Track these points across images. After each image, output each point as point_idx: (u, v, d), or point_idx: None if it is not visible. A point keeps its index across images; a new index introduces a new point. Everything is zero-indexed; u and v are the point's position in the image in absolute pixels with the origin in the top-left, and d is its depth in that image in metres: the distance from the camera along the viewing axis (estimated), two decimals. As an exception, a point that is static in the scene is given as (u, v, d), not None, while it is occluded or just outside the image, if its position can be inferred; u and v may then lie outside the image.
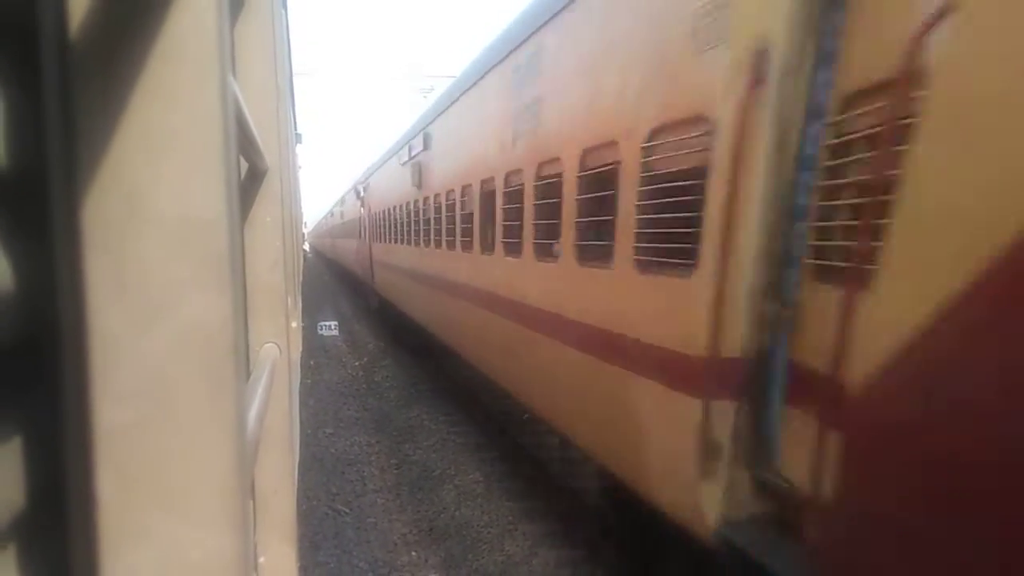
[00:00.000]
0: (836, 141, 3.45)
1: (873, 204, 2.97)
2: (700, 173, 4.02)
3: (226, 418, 0.68)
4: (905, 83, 2.86)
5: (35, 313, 0.63)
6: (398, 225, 16.57)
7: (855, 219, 3.22)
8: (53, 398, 0.64)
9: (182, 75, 0.66)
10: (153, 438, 0.66)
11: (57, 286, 0.64)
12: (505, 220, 7.83)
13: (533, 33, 6.83)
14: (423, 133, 12.99)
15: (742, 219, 3.75)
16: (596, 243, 5.44)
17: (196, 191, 0.66)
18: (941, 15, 2.65)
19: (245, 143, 1.62)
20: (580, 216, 5.73)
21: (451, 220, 10.85)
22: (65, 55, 0.64)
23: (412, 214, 14.46)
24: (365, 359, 18.28)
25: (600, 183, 5.34)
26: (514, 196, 7.34)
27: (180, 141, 0.66)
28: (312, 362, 17.06)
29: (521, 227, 7.06)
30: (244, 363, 1.89)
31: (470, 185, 9.52)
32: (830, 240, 3.44)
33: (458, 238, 10.36)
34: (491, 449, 10.81)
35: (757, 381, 3.80)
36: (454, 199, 10.60)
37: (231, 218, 0.68)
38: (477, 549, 7.67)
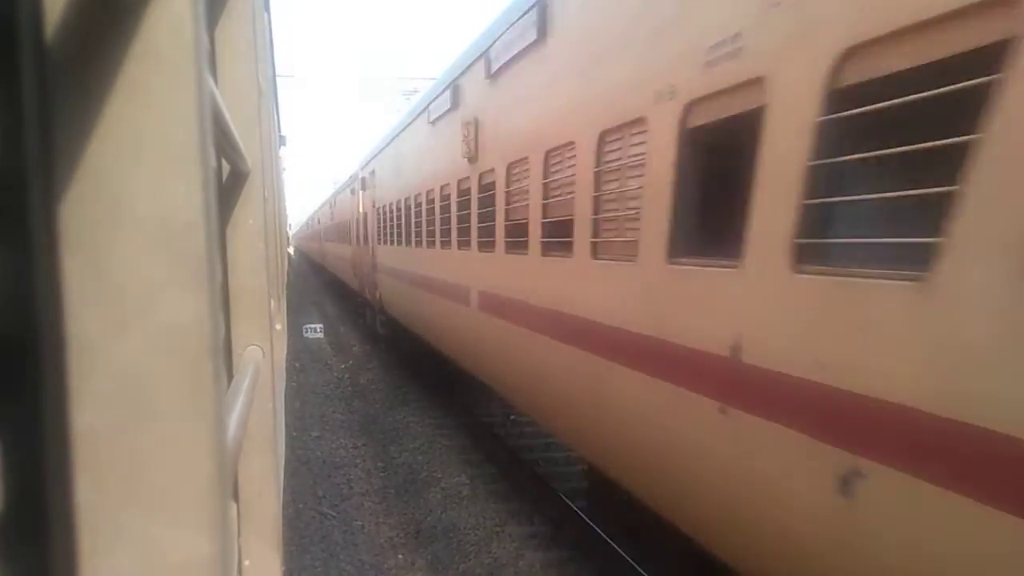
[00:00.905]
0: None
1: None
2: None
3: (205, 419, 0.68)
4: None
5: (12, 315, 0.63)
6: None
7: None
8: (31, 401, 0.64)
9: (158, 76, 0.66)
10: (132, 440, 0.66)
11: (34, 288, 0.63)
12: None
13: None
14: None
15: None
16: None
17: (173, 192, 0.66)
18: None
19: (226, 145, 1.61)
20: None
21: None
22: (42, 57, 0.64)
23: None
24: (351, 362, 18.23)
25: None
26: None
27: (156, 142, 0.66)
28: (297, 365, 16.99)
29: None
30: (223, 365, 1.88)
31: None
32: None
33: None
34: (477, 451, 10.80)
35: None
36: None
37: (208, 219, 0.68)
38: (464, 551, 7.67)
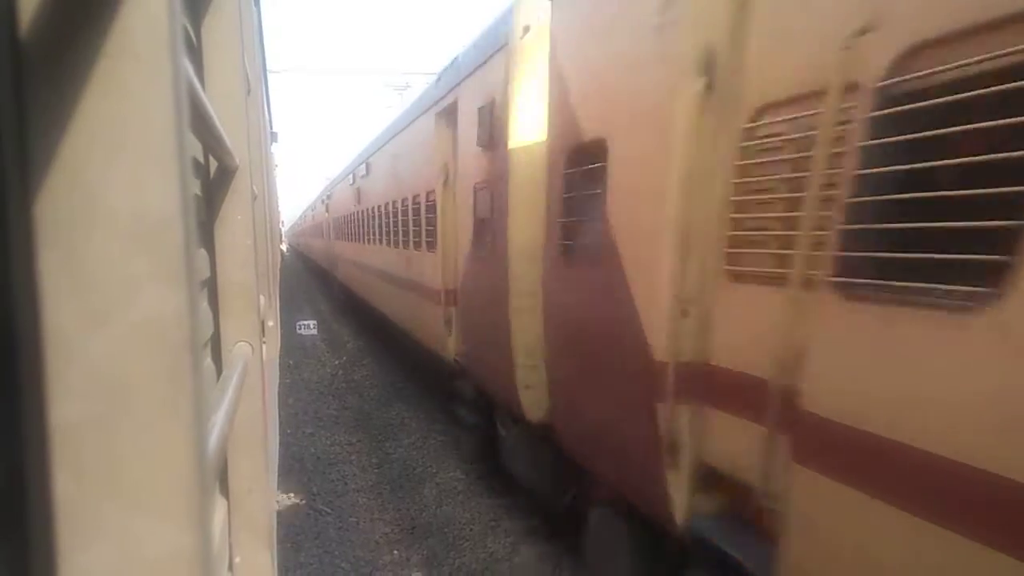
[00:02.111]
0: None
1: None
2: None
3: (185, 414, 0.68)
4: None
5: None
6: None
7: None
8: (9, 395, 0.64)
9: (133, 71, 0.66)
10: (110, 434, 0.66)
11: (11, 283, 0.63)
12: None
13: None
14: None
15: None
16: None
17: (149, 187, 0.66)
18: None
19: (211, 141, 1.61)
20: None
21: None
22: (17, 52, 0.64)
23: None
24: (344, 358, 18.21)
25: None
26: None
27: (132, 137, 0.66)
28: (291, 361, 16.97)
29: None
30: (208, 360, 1.88)
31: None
32: None
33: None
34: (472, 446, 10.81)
35: None
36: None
37: (186, 213, 0.68)
38: (459, 546, 7.68)
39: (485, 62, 7.70)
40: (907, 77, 2.74)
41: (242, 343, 2.08)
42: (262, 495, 2.12)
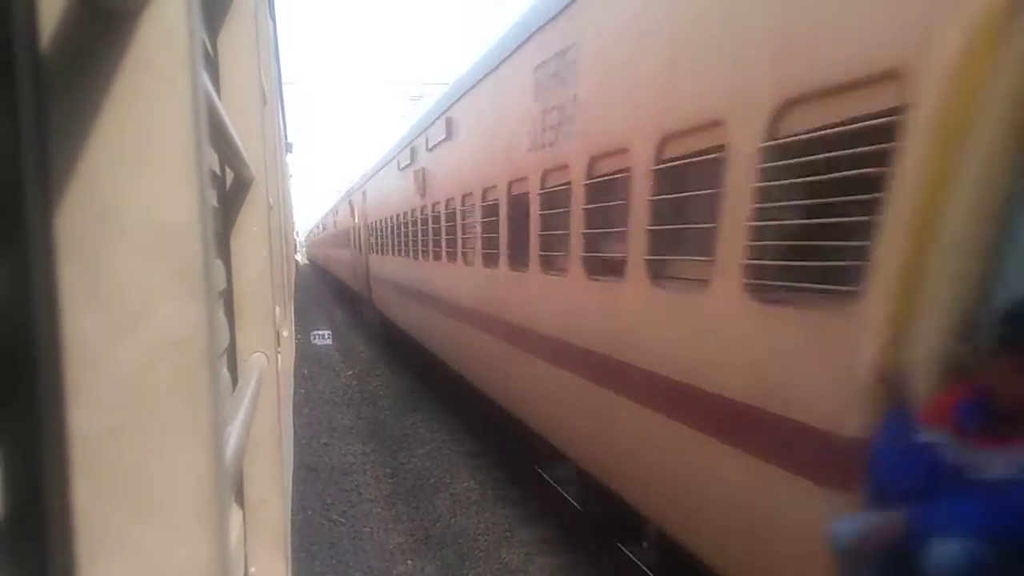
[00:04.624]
0: None
1: None
2: None
3: (202, 424, 0.68)
4: None
5: (10, 322, 0.63)
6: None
7: None
8: (29, 406, 0.64)
9: (152, 84, 0.66)
10: (128, 445, 0.67)
11: (31, 295, 0.64)
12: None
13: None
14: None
15: None
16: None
17: (168, 199, 0.67)
18: None
19: (227, 153, 1.62)
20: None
21: None
22: (38, 66, 0.65)
23: None
24: (359, 368, 18.25)
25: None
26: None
27: (152, 150, 0.67)
28: (305, 371, 17.03)
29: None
30: (226, 371, 1.89)
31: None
32: None
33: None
34: (486, 456, 10.79)
35: None
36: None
37: (204, 224, 0.68)
38: (473, 557, 7.65)
39: None
40: None
41: (257, 353, 2.09)
42: (277, 504, 2.13)
